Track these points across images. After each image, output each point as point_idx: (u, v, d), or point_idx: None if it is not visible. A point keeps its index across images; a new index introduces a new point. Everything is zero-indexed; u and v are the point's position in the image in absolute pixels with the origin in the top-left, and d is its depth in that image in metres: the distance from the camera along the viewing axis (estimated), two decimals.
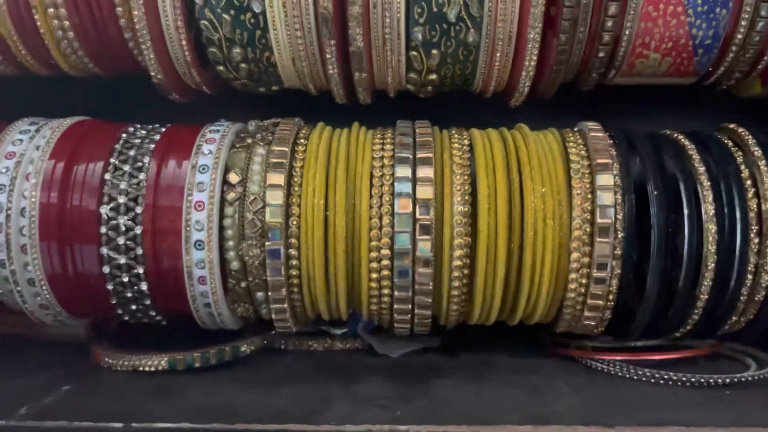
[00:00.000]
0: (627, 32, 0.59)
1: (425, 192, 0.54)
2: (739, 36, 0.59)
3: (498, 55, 0.59)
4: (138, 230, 0.55)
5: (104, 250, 0.55)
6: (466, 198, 0.55)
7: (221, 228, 0.55)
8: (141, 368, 0.60)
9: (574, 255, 0.55)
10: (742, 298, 0.57)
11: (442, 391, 0.58)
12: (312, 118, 0.63)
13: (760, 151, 0.58)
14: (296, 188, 0.56)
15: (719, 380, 0.58)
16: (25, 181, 0.55)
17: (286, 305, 0.57)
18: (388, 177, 0.55)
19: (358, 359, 0.65)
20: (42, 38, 0.62)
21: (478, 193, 0.55)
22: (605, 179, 0.55)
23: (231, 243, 0.55)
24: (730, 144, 0.60)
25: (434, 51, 0.59)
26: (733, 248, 0.55)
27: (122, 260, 0.55)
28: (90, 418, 0.52)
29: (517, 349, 0.66)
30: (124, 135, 0.59)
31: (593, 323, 0.58)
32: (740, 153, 0.59)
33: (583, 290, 0.56)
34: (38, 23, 0.61)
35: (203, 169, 0.56)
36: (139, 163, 0.56)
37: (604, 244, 0.54)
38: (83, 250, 0.55)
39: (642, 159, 0.57)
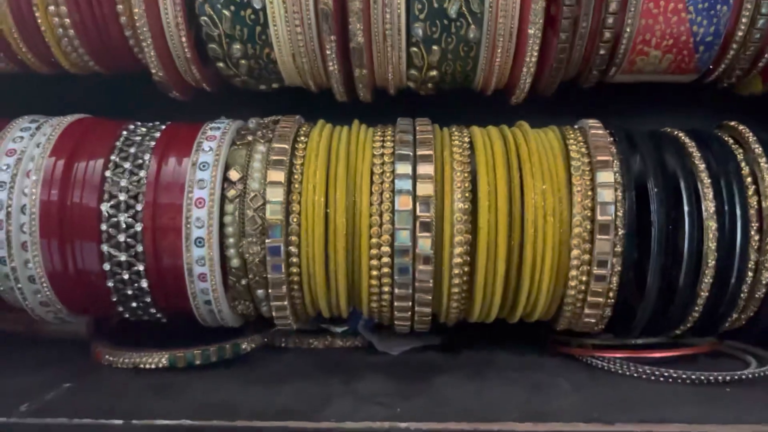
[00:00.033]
0: (628, 29, 0.59)
1: (425, 189, 0.54)
2: (740, 33, 0.60)
3: (499, 51, 0.59)
4: (138, 227, 0.55)
5: (105, 248, 0.55)
6: (467, 195, 0.55)
7: (222, 225, 0.55)
8: (141, 366, 0.60)
9: (575, 252, 0.55)
10: (742, 295, 0.57)
11: (442, 388, 0.58)
12: (312, 117, 0.63)
13: (760, 149, 0.58)
14: (297, 185, 0.56)
15: (720, 378, 0.58)
16: (25, 179, 0.55)
17: (286, 302, 0.57)
18: (388, 174, 0.55)
19: (358, 357, 0.65)
20: (43, 36, 0.62)
21: (478, 191, 0.55)
22: (606, 176, 0.55)
23: (231, 240, 0.55)
24: (731, 141, 0.60)
25: (435, 47, 0.59)
26: (734, 245, 0.55)
27: (123, 257, 0.55)
28: (90, 415, 0.52)
29: (517, 347, 0.66)
30: (124, 132, 0.59)
31: (593, 320, 0.58)
32: (741, 150, 0.59)
33: (583, 287, 0.56)
34: (39, 21, 0.61)
35: (204, 166, 0.56)
36: (140, 161, 0.56)
37: (604, 242, 0.54)
38: (84, 247, 0.55)
39: (642, 156, 0.57)
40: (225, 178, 0.56)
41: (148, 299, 0.57)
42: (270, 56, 0.60)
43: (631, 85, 0.68)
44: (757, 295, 0.57)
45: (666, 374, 0.58)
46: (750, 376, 0.58)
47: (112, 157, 0.57)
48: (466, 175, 0.56)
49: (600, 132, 0.58)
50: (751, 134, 0.59)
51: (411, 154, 0.56)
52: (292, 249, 0.55)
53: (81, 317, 0.63)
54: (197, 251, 0.55)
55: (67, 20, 0.60)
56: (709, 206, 0.55)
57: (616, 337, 0.63)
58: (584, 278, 0.56)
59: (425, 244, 0.54)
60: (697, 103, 0.73)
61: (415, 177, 0.55)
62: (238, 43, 0.59)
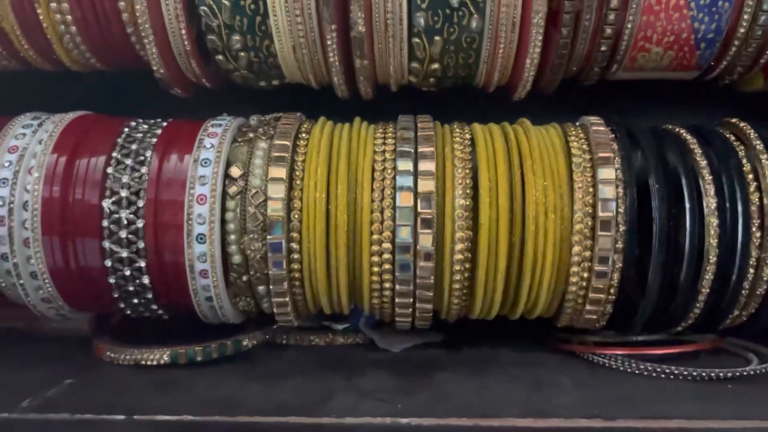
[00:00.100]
0: (629, 26, 0.59)
1: (427, 186, 0.54)
2: (742, 30, 0.59)
3: (502, 42, 0.59)
4: (140, 224, 0.55)
5: (106, 244, 0.55)
6: (468, 192, 0.55)
7: (223, 222, 0.55)
8: (143, 362, 0.60)
9: (576, 248, 0.55)
10: (743, 292, 0.57)
11: (443, 385, 0.58)
12: (314, 115, 0.63)
13: (762, 145, 0.58)
14: (298, 182, 0.56)
15: (721, 374, 0.58)
16: (27, 175, 0.55)
17: (287, 299, 0.57)
18: (389, 171, 0.55)
19: (359, 354, 0.65)
20: (44, 33, 0.62)
21: (479, 187, 0.55)
22: (607, 173, 0.55)
23: (233, 237, 0.55)
24: (732, 138, 0.60)
25: (437, 37, 0.58)
26: (735, 242, 0.55)
27: (124, 254, 0.55)
28: (92, 411, 0.52)
29: (518, 344, 0.66)
30: (126, 129, 0.59)
31: (595, 317, 0.58)
32: (742, 147, 0.59)
33: (584, 284, 0.56)
34: (41, 18, 0.61)
35: (205, 162, 0.56)
36: (141, 157, 0.57)
37: (605, 238, 0.54)
38: (85, 243, 0.55)
39: (644, 153, 0.57)
40: (226, 175, 0.56)
41: (150, 296, 0.58)
42: (270, 49, 0.60)
43: (633, 83, 0.68)
44: (758, 292, 0.57)
45: (667, 371, 0.58)
46: (751, 373, 0.58)
47: (114, 154, 0.57)
48: (467, 171, 0.56)
49: (601, 129, 0.58)
50: (752, 131, 0.59)
51: (412, 150, 0.56)
52: (294, 245, 0.55)
53: (83, 314, 0.63)
54: (199, 248, 0.55)
55: (69, 17, 0.60)
56: (710, 203, 0.55)
57: (618, 333, 0.63)
58: (585, 275, 0.56)
59: (426, 240, 0.54)
60: (698, 100, 0.73)
61: (416, 173, 0.55)
62: (237, 34, 0.59)
